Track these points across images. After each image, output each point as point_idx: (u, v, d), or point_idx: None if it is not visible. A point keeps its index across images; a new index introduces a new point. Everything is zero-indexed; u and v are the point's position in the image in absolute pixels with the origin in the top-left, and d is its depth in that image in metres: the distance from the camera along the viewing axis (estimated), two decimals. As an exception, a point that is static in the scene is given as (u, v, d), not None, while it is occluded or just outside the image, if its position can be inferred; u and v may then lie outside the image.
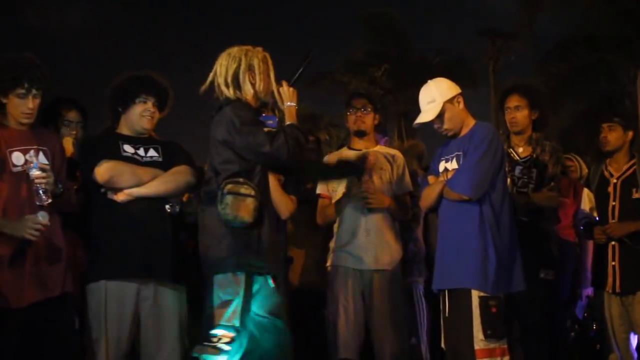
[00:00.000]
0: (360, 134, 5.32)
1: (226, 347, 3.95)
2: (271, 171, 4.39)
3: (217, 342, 3.96)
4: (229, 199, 4.02)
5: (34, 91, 4.20)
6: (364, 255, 5.10)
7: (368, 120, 5.31)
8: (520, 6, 19.06)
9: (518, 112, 5.30)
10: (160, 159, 4.57)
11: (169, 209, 4.49)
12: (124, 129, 4.61)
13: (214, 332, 3.99)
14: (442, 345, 4.47)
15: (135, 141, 4.58)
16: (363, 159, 5.17)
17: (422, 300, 5.60)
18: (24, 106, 4.20)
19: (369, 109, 5.32)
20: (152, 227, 4.42)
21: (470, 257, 4.30)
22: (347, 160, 5.22)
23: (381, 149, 5.41)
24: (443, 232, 4.51)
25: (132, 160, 4.51)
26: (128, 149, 4.54)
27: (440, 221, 4.54)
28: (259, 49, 4.32)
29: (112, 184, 4.42)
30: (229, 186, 4.05)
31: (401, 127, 25.23)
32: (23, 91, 4.18)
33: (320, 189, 5.38)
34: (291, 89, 4.31)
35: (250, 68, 4.23)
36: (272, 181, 5.06)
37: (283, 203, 5.06)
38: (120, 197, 4.44)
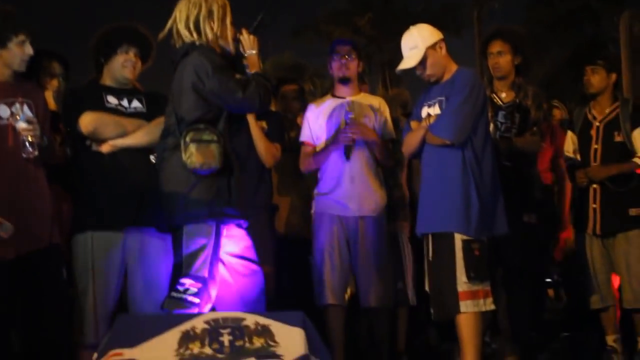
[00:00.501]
0: (345, 80, 5.32)
1: (195, 300, 3.92)
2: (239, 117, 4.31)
3: (184, 293, 3.93)
4: (192, 147, 3.95)
5: (30, 38, 4.21)
6: (348, 202, 5.14)
7: (352, 66, 5.31)
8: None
9: (501, 57, 5.30)
10: (144, 110, 4.56)
11: (153, 159, 4.49)
12: (107, 80, 4.60)
13: (182, 281, 3.96)
14: (426, 287, 4.53)
15: (118, 92, 4.57)
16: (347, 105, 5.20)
17: (407, 245, 5.65)
18: (24, 54, 4.20)
19: (354, 56, 5.32)
20: (137, 178, 4.42)
21: (453, 201, 4.34)
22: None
23: (364, 96, 5.42)
24: (426, 177, 4.54)
25: (115, 111, 4.50)
26: (112, 100, 4.53)
27: (423, 166, 4.57)
28: None
29: (96, 135, 4.42)
30: (191, 134, 3.98)
31: (385, 76, 25.18)
32: (23, 38, 4.18)
33: (303, 136, 5.39)
34: (252, 36, 4.23)
35: (209, 14, 4.14)
36: (256, 129, 5.08)
37: (267, 151, 5.08)
38: (104, 148, 4.43)
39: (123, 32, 4.58)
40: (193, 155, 3.95)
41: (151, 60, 4.67)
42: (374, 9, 25.89)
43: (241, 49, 4.20)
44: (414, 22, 4.71)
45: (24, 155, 4.05)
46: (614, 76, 5.50)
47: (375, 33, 25.99)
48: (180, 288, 3.94)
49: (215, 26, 4.14)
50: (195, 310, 3.89)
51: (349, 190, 5.14)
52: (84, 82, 4.73)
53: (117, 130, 4.44)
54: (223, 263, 4.18)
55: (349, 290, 5.56)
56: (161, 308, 3.97)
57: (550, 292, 7.54)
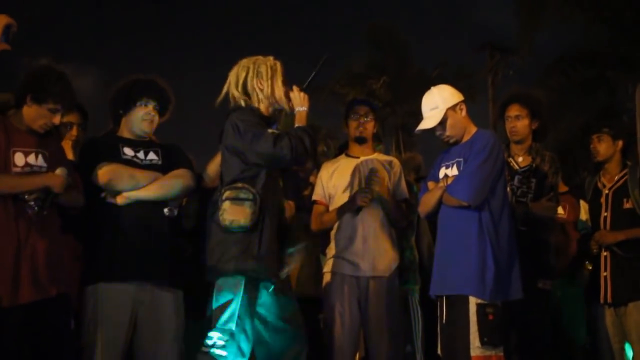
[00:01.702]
0: (361, 140, 5.34)
1: (222, 353, 3.96)
2: (278, 174, 4.36)
3: (211, 347, 3.96)
4: (226, 204, 4.05)
5: (62, 110, 4.28)
6: (360, 261, 5.10)
7: (369, 127, 5.34)
8: (520, 21, 19.09)
9: (518, 122, 5.31)
10: (159, 162, 4.59)
11: (167, 212, 4.49)
12: (124, 132, 4.64)
13: (210, 334, 4.01)
14: (439, 351, 4.46)
15: (135, 144, 4.60)
16: (363, 167, 5.21)
17: (417, 308, 5.58)
18: (49, 121, 4.25)
19: (371, 117, 5.35)
20: (150, 230, 4.42)
21: (468, 263, 4.30)
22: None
23: (378, 156, 5.42)
24: (442, 238, 4.51)
25: (131, 163, 4.52)
26: (128, 151, 4.56)
27: (440, 227, 4.54)
28: (270, 57, 4.38)
29: (111, 186, 4.43)
30: (227, 192, 4.08)
31: (399, 140, 25.24)
32: (58, 108, 4.24)
33: (316, 195, 5.38)
34: (302, 93, 4.33)
35: (258, 75, 4.28)
36: None
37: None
38: (119, 200, 4.44)
39: (143, 85, 4.62)
40: (225, 212, 4.04)
41: (169, 113, 4.71)
42: (389, 73, 26.06)
43: (291, 106, 4.31)
44: (429, 86, 4.72)
45: (29, 211, 4.09)
46: (620, 143, 5.52)
47: (390, 96, 26.13)
48: (209, 342, 3.98)
49: (264, 86, 4.26)
50: None
51: (361, 249, 5.11)
52: (102, 133, 4.76)
53: (131, 183, 4.46)
54: (263, 322, 4.23)
55: (358, 354, 5.49)
56: None
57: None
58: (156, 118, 4.63)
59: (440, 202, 4.48)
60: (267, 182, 4.18)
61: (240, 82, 4.29)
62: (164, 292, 4.43)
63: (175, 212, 4.54)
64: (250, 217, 4.04)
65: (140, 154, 4.59)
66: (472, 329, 4.22)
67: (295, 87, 4.34)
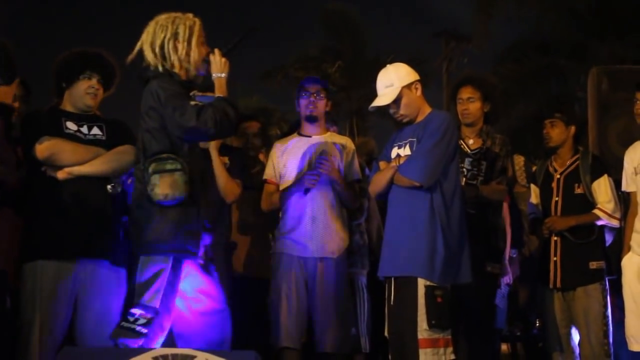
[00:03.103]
0: (312, 119, 5.26)
1: (143, 330, 3.80)
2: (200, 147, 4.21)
3: (133, 322, 3.81)
4: (155, 178, 3.84)
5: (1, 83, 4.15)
6: (308, 242, 5.04)
7: (320, 105, 5.25)
8: (475, 9, 19.21)
9: (471, 104, 5.29)
10: (103, 138, 4.47)
11: (110, 189, 4.39)
12: (67, 106, 4.52)
13: (132, 310, 3.85)
14: (386, 333, 4.41)
15: (78, 118, 4.48)
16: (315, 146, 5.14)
17: (364, 291, 5.56)
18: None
19: (322, 95, 5.27)
20: (92, 207, 4.32)
21: (418, 245, 4.24)
22: None
23: (331, 135, 5.36)
24: (392, 218, 4.44)
25: (74, 137, 4.41)
26: (71, 125, 4.44)
27: (390, 207, 4.47)
28: (189, 15, 4.10)
29: (52, 161, 4.32)
30: (153, 165, 3.86)
31: (353, 125, 25.24)
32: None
33: (267, 174, 5.30)
34: (223, 59, 4.06)
35: (175, 36, 4.02)
36: (218, 163, 4.99)
37: (228, 186, 4.99)
38: (60, 175, 4.33)
39: (87, 57, 4.50)
40: (157, 186, 3.83)
41: (114, 87, 4.58)
42: (343, 58, 26.05)
43: (210, 71, 4.06)
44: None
45: None
46: (572, 129, 5.52)
47: (345, 81, 26.13)
48: (131, 318, 3.82)
49: (180, 48, 4.01)
50: (142, 341, 3.76)
51: (309, 230, 5.05)
52: (44, 107, 4.62)
53: (73, 158, 4.34)
54: (183, 298, 4.05)
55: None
56: (110, 338, 3.84)
57: (505, 347, 7.47)
58: (100, 92, 4.50)
59: (391, 182, 4.40)
60: (191, 153, 4.01)
61: (158, 43, 4.01)
62: (105, 270, 4.32)
63: (119, 189, 4.42)
64: (184, 187, 3.85)
65: (84, 129, 4.47)
66: (420, 311, 4.17)
67: (216, 50, 4.07)
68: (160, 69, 4.01)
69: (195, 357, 3.36)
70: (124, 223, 4.44)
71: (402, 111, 4.47)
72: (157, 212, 3.87)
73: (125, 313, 3.89)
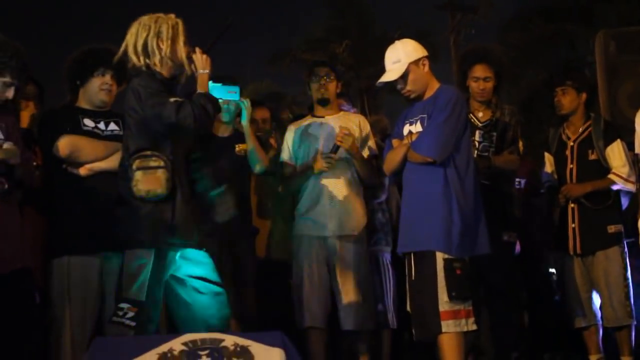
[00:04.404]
0: (324, 102, 5.32)
1: (132, 323, 3.87)
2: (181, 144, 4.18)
3: (122, 316, 3.89)
4: (138, 175, 3.90)
5: (17, 84, 4.14)
6: (327, 221, 5.10)
7: (331, 87, 5.31)
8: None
9: (487, 83, 5.34)
10: (120, 133, 4.51)
11: None
12: (82, 103, 4.58)
13: (121, 305, 3.92)
14: (408, 308, 4.46)
15: (95, 115, 4.55)
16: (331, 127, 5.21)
17: (389, 268, 5.59)
18: (1, 94, 4.11)
19: (332, 77, 5.32)
20: (113, 201, 4.37)
21: (434, 219, 4.28)
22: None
23: (344, 115, 5.41)
24: (407, 195, 4.49)
25: (92, 134, 4.48)
26: (88, 122, 4.51)
27: (405, 185, 4.51)
28: (171, 15, 4.16)
29: (73, 158, 4.39)
30: (137, 162, 3.93)
31: (364, 103, 25.18)
32: (9, 81, 4.10)
33: (283, 156, 5.36)
34: (204, 56, 4.13)
35: (159, 35, 4.06)
36: (252, 139, 5.05)
37: (261, 156, 5.06)
38: (81, 171, 4.40)
39: (99, 54, 4.55)
40: (139, 182, 3.90)
41: (126, 83, 4.63)
42: (351, 37, 25.95)
43: (193, 68, 4.13)
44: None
45: None
46: (584, 95, 5.54)
47: (353, 60, 26.04)
48: (119, 312, 3.90)
49: (164, 47, 4.06)
50: (132, 333, 3.84)
51: (328, 209, 5.11)
52: (59, 105, 4.69)
53: (93, 154, 4.41)
54: (182, 284, 4.11)
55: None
56: (105, 335, 3.94)
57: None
58: (114, 87, 4.57)
59: (405, 160, 4.44)
60: (174, 148, 4.05)
61: (141, 42, 4.06)
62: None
63: None
64: (166, 184, 3.92)
65: (101, 125, 4.54)
66: (439, 284, 4.22)
67: (197, 49, 4.15)
68: (143, 67, 4.05)
69: (223, 340, 3.41)
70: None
71: (409, 87, 4.51)
72: (139, 208, 3.93)
73: (115, 308, 3.95)
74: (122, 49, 4.11)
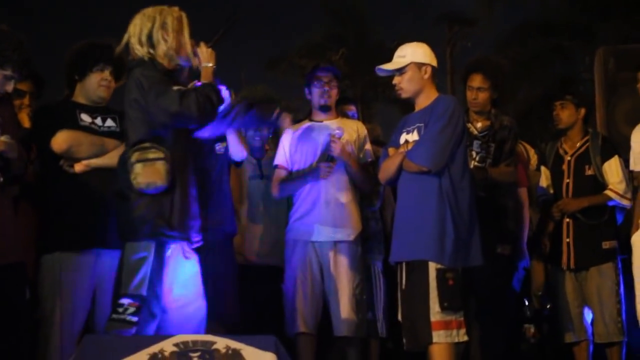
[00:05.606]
0: (326, 108, 5.31)
1: (133, 319, 3.82)
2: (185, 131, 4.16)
3: (123, 312, 3.83)
4: (138, 167, 3.84)
5: (17, 78, 4.12)
6: (322, 226, 5.08)
7: (333, 95, 5.32)
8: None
9: (480, 93, 5.33)
10: (117, 129, 4.49)
11: None
12: (80, 98, 4.55)
13: (121, 301, 3.86)
14: (399, 317, 4.45)
15: (92, 110, 4.52)
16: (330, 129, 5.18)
17: (381, 277, 5.57)
18: (1, 87, 4.09)
19: (335, 84, 5.32)
20: (108, 198, 4.32)
21: (428, 229, 4.27)
22: None
23: (342, 121, 5.40)
24: (401, 204, 4.48)
25: (89, 129, 4.45)
26: (85, 118, 4.48)
27: (399, 193, 4.51)
28: (175, 8, 4.14)
29: (70, 154, 4.36)
30: (136, 154, 3.87)
31: (358, 112, 25.24)
32: (10, 74, 4.06)
33: (278, 160, 5.33)
34: (209, 49, 4.13)
35: (163, 26, 4.03)
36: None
37: (242, 143, 5.04)
38: (77, 167, 4.38)
39: (99, 49, 4.52)
40: (139, 175, 3.84)
41: (124, 79, 4.61)
42: (347, 45, 25.98)
43: (197, 62, 4.11)
44: (388, 58, 4.66)
45: None
46: (582, 111, 5.56)
47: (349, 69, 26.07)
48: (120, 309, 3.84)
49: (169, 39, 4.03)
50: (134, 330, 3.78)
51: (323, 214, 5.09)
52: (56, 100, 4.66)
53: (91, 150, 4.39)
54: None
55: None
56: (104, 332, 3.87)
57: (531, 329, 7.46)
58: (112, 83, 4.54)
59: (400, 168, 4.43)
60: (175, 140, 4.00)
61: (145, 32, 4.02)
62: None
63: None
64: (166, 176, 3.86)
65: (98, 120, 4.51)
66: (432, 294, 4.21)
67: (202, 43, 4.14)
68: (146, 57, 4.01)
69: (215, 342, 3.39)
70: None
71: (402, 84, 4.51)
72: (139, 200, 3.88)
73: (115, 305, 3.89)
74: (124, 40, 4.08)
